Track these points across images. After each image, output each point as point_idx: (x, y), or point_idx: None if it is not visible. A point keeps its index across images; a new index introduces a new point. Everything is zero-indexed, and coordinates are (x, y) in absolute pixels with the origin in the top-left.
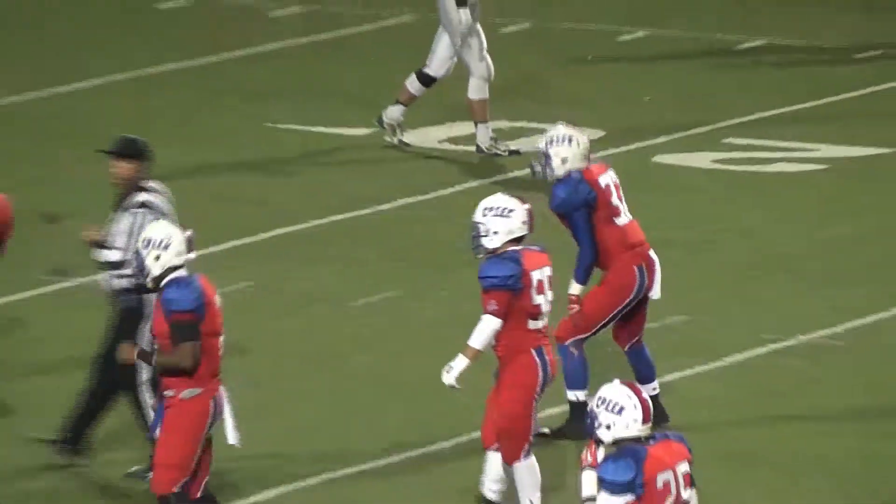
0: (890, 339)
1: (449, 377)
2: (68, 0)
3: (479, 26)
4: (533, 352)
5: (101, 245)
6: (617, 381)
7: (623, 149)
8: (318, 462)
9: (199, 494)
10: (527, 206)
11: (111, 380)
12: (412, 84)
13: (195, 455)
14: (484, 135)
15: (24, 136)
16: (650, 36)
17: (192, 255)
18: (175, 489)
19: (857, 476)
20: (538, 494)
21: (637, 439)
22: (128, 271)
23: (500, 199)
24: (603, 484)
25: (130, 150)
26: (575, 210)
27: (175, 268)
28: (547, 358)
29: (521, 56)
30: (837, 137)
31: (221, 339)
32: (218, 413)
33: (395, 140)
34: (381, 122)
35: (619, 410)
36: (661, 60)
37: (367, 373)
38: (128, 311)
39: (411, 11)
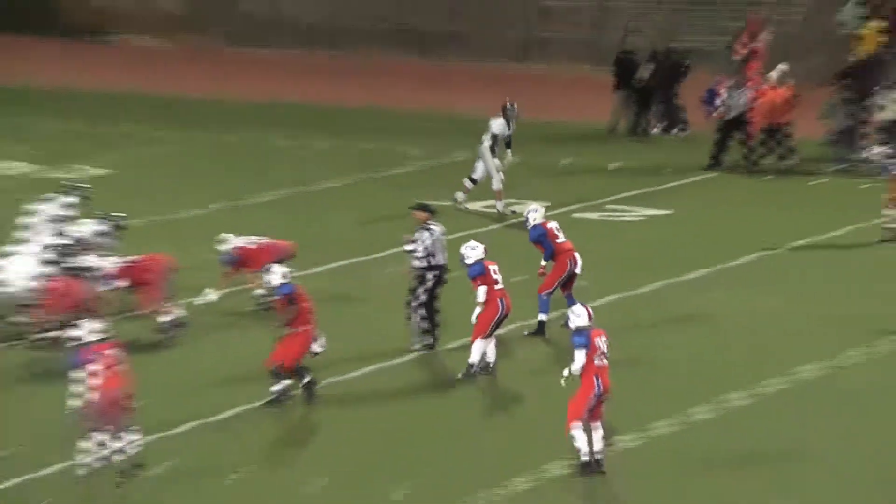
0: None
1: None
2: None
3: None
4: (498, 299)
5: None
6: (579, 304)
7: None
8: None
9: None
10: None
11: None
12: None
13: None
14: (501, 206)
15: None
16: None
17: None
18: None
19: None
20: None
21: (586, 327)
22: (420, 258)
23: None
24: (574, 344)
25: (426, 207)
26: (538, 240)
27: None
28: (505, 301)
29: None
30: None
31: None
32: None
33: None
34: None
35: (580, 314)
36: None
37: None
38: (418, 277)
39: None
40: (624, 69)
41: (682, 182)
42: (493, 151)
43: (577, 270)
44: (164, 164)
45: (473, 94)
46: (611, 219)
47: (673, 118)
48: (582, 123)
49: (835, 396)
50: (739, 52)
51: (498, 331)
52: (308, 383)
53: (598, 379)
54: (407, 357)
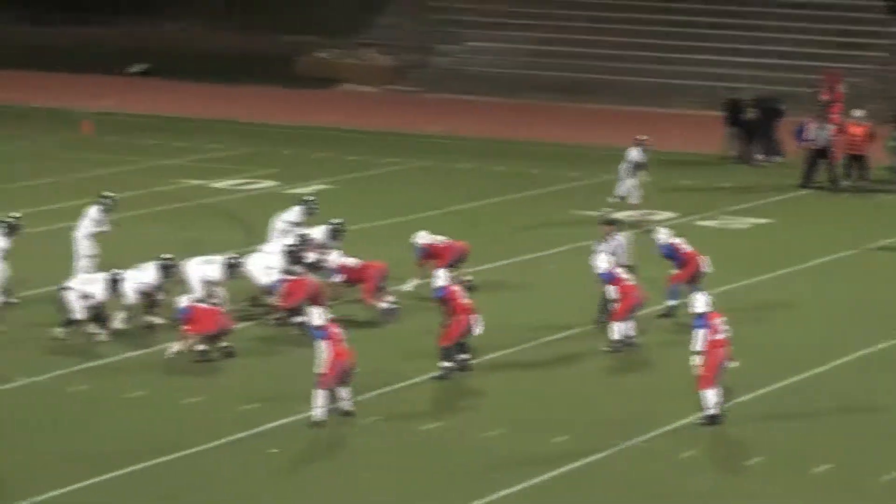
0: None
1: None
2: None
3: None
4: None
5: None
6: (699, 293)
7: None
8: None
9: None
10: None
11: None
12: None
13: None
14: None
15: None
16: None
17: None
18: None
19: None
20: None
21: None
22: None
23: None
24: (694, 326)
25: (611, 220)
26: (669, 255)
27: None
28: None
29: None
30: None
31: None
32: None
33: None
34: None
35: (700, 301)
36: None
37: None
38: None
39: None
40: (732, 109)
41: (779, 198)
42: (632, 174)
43: (705, 269)
44: (375, 183)
45: (616, 129)
46: (724, 226)
47: (770, 148)
48: (700, 153)
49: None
50: (824, 97)
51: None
52: (461, 361)
53: (720, 352)
54: (566, 333)
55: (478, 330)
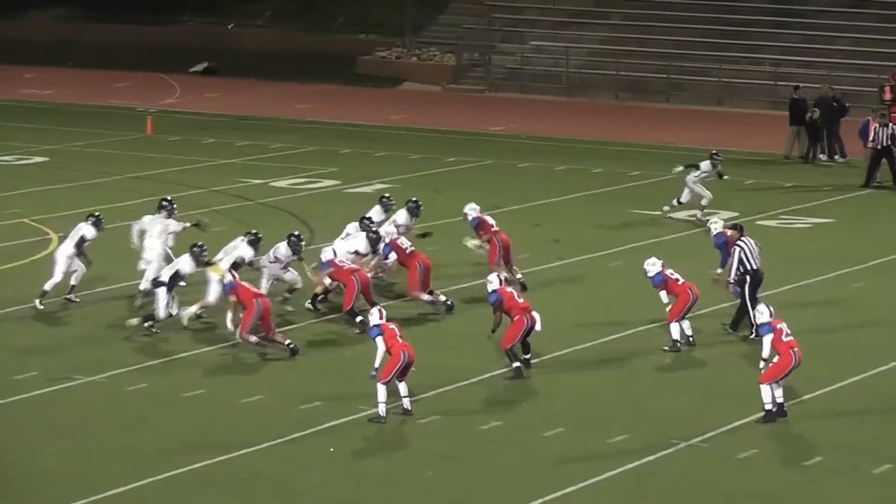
0: None
1: None
2: None
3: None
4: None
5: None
6: (762, 304)
7: None
8: None
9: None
10: None
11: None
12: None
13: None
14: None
15: None
16: None
17: None
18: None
19: None
20: None
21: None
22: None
23: None
24: (761, 335)
25: (735, 226)
26: (720, 247)
27: None
28: (693, 292)
29: None
30: None
31: None
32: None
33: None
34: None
35: (763, 313)
36: None
37: None
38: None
39: None
40: (795, 109)
41: (841, 198)
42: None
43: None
44: (437, 182)
45: (678, 129)
46: (785, 226)
47: (833, 148)
48: (762, 152)
49: None
50: (887, 96)
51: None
52: (520, 363)
53: (793, 353)
54: (625, 332)
55: (538, 327)
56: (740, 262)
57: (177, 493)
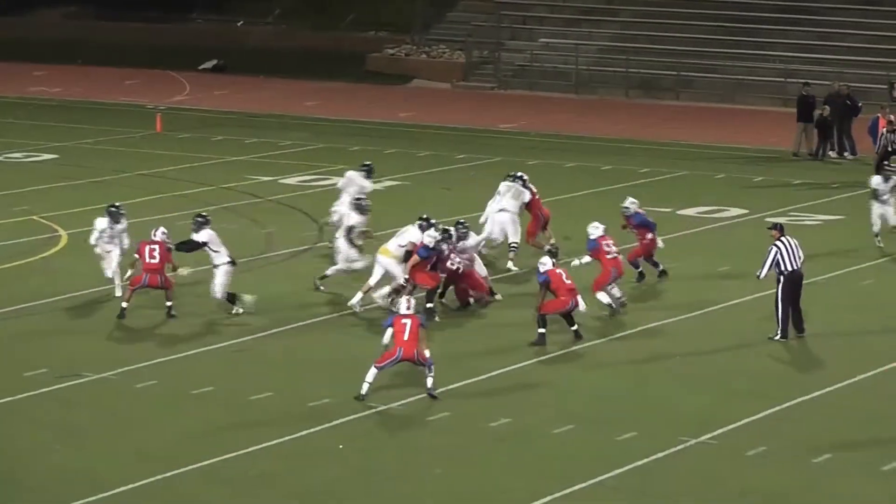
0: None
1: None
2: None
3: None
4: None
5: None
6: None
7: None
8: None
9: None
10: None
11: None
12: None
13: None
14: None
15: None
16: None
17: None
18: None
19: None
20: None
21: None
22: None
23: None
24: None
25: (775, 226)
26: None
27: None
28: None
29: None
30: None
31: None
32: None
33: None
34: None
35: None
36: None
37: None
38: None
39: None
40: (805, 106)
41: (850, 195)
42: None
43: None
44: (447, 180)
45: (689, 126)
46: (795, 222)
47: (843, 145)
48: (772, 149)
49: None
50: None
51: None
52: (541, 335)
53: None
54: (632, 330)
55: (581, 308)
56: (775, 262)
57: (184, 491)
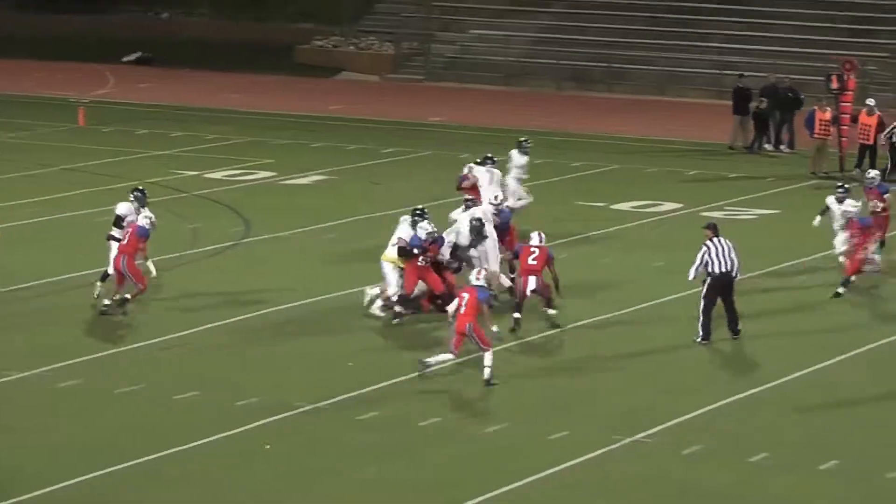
0: None
1: None
2: None
3: None
4: None
5: None
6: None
7: None
8: None
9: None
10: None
11: None
12: None
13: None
14: None
15: None
16: None
17: None
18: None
19: None
20: None
21: None
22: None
23: None
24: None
25: (709, 226)
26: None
27: None
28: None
29: None
30: None
31: None
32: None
33: None
34: None
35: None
36: None
37: None
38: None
39: None
40: (740, 98)
41: (787, 188)
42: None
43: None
44: (376, 174)
45: (621, 119)
46: (730, 217)
47: (780, 138)
48: (707, 142)
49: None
50: (835, 85)
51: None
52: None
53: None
54: (570, 325)
55: (529, 289)
56: (703, 263)
57: (107, 492)
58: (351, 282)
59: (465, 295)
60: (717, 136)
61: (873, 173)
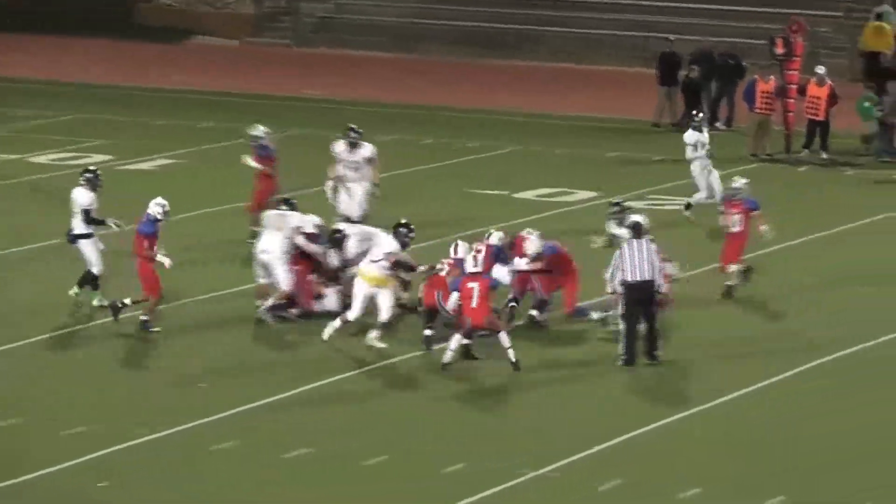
0: None
1: None
2: None
3: None
4: None
5: None
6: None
7: None
8: None
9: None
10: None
11: None
12: None
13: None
14: None
15: None
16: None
17: None
18: None
19: None
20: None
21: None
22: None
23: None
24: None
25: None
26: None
27: None
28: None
29: None
30: None
31: None
32: None
33: None
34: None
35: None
36: None
37: None
38: None
39: None
40: (668, 66)
41: (723, 173)
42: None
43: None
44: (232, 157)
45: (527, 91)
46: (654, 207)
47: (716, 113)
48: (628, 118)
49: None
50: (780, 50)
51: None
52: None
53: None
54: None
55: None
56: (616, 269)
57: None
58: (205, 286)
59: (475, 285)
60: (640, 112)
61: (740, 182)
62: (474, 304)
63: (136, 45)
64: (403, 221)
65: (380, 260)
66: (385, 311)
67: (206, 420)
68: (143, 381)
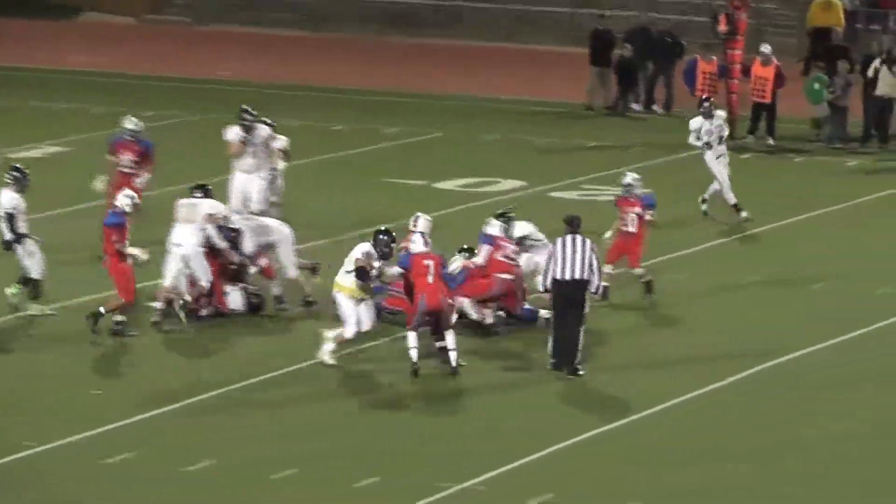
0: None
1: None
2: None
3: None
4: None
5: None
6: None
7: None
8: None
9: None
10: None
11: None
12: None
13: None
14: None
15: None
16: None
17: None
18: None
19: None
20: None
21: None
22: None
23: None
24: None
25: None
26: None
27: None
28: None
29: None
30: None
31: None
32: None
33: None
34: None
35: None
36: None
37: None
38: None
39: None
40: (601, 44)
41: (663, 160)
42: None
43: None
44: None
45: (448, 72)
46: (587, 198)
47: (652, 96)
48: (557, 101)
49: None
50: (723, 27)
51: None
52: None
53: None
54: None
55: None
56: (547, 267)
57: None
58: (90, 288)
59: (430, 263)
60: (571, 94)
61: (630, 178)
62: (430, 279)
63: (20, 23)
64: (384, 228)
65: (351, 271)
66: (367, 324)
67: (98, 430)
68: (30, 389)
